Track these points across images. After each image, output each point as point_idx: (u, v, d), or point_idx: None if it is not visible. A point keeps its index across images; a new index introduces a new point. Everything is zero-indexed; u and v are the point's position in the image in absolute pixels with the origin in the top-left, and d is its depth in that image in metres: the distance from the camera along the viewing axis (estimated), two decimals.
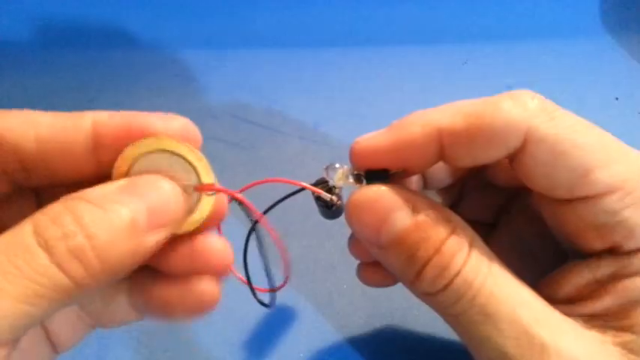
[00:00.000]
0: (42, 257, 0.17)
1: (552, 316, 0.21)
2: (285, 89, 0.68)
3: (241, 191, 0.24)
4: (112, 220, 0.18)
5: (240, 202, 0.23)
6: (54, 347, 0.24)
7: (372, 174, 0.24)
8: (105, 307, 0.24)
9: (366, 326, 0.38)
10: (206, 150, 0.22)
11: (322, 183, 0.25)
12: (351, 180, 0.25)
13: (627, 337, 0.21)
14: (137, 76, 0.71)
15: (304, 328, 0.38)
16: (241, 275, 0.28)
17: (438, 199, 0.32)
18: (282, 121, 0.61)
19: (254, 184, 0.24)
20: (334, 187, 0.25)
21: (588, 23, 0.81)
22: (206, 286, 0.23)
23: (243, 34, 0.79)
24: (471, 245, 0.22)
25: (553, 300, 0.22)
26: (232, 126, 0.60)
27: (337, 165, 0.25)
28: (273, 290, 0.27)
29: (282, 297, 0.40)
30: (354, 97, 0.67)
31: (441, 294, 0.22)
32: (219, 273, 0.23)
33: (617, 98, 0.66)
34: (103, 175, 0.21)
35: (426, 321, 0.38)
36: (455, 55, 0.76)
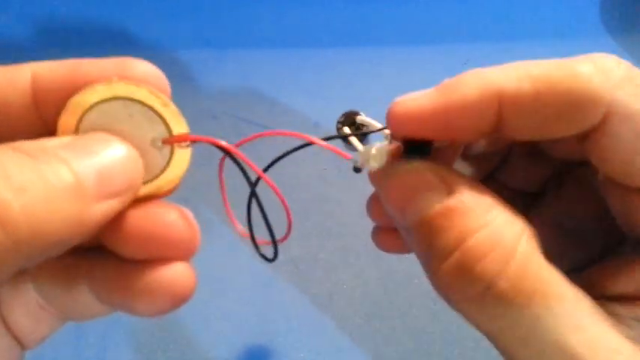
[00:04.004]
0: None
1: (612, 340, 0.17)
2: (285, 89, 0.68)
3: (238, 145, 0.20)
4: (48, 175, 0.15)
5: (231, 155, 0.19)
6: (20, 342, 0.21)
7: (412, 147, 0.20)
8: (66, 295, 0.21)
9: (366, 326, 0.38)
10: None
11: (350, 118, 0.22)
12: (389, 147, 0.21)
13: None
14: None
15: (304, 328, 0.38)
16: (244, 232, 0.25)
17: (467, 169, 0.27)
18: (282, 121, 0.61)
19: (254, 137, 0.20)
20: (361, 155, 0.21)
21: (588, 23, 0.81)
22: (174, 272, 0.19)
23: (243, 34, 0.79)
24: (516, 245, 0.17)
25: (603, 294, 0.19)
26: (232, 126, 0.60)
27: (373, 150, 0.20)
28: (274, 242, 0.24)
29: (282, 296, 0.40)
30: (354, 97, 0.67)
31: (468, 305, 0.18)
32: (184, 252, 0.19)
33: None
34: (48, 135, 0.18)
35: (425, 321, 0.38)
36: (455, 55, 0.75)
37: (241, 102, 0.65)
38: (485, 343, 0.20)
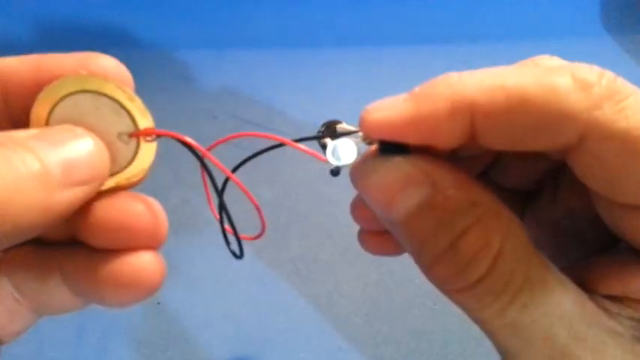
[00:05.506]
0: None
1: (598, 332, 0.17)
2: (285, 89, 0.68)
3: (212, 148, 0.20)
4: (16, 163, 0.16)
5: (196, 152, 0.20)
6: None
7: (387, 145, 0.20)
8: (41, 288, 0.22)
9: (366, 326, 0.38)
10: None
11: (330, 127, 0.22)
12: (362, 144, 0.21)
13: None
14: (137, 76, 0.70)
15: (304, 328, 0.38)
16: (222, 227, 0.25)
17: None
18: (282, 121, 0.61)
19: (226, 139, 0.21)
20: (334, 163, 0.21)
21: (588, 23, 0.81)
22: (140, 261, 0.19)
23: (243, 34, 0.79)
24: (504, 240, 0.17)
25: (594, 291, 0.19)
26: (232, 126, 0.60)
27: (340, 143, 0.21)
28: (239, 240, 0.24)
29: (282, 296, 0.40)
30: (354, 97, 0.67)
31: (459, 295, 0.19)
32: (151, 241, 0.20)
33: None
34: (15, 128, 0.19)
35: (425, 321, 0.38)
36: (455, 55, 0.76)
37: (241, 102, 0.65)
38: (486, 343, 0.20)
